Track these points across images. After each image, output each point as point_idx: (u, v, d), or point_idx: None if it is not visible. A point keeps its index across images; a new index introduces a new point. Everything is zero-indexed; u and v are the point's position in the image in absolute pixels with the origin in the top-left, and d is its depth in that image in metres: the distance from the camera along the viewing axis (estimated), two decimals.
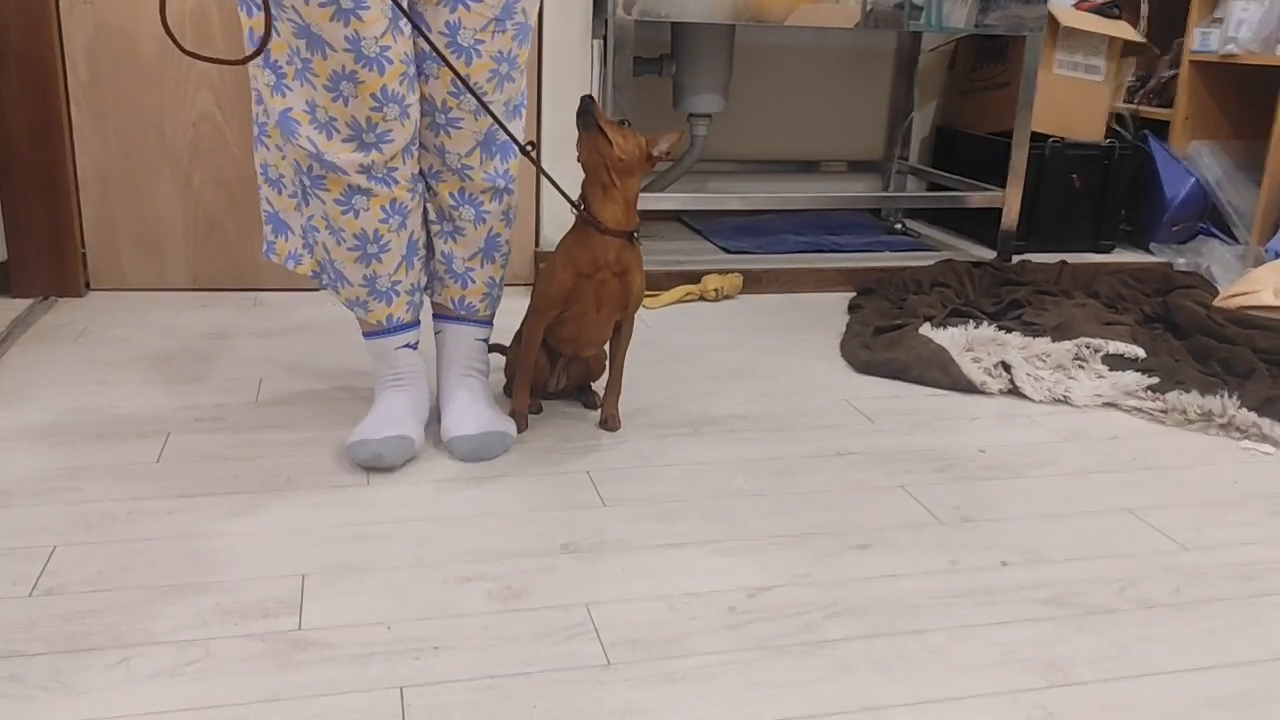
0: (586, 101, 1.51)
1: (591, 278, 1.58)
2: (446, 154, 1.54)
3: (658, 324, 2.29)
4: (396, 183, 1.48)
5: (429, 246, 1.64)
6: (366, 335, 1.63)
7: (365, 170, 1.44)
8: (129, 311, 2.23)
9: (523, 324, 1.70)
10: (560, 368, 1.74)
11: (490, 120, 1.52)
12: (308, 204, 1.50)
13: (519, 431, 1.64)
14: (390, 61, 1.39)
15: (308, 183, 1.47)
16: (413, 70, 1.43)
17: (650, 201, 2.64)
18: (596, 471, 1.55)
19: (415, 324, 1.64)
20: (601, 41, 2.42)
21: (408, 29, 1.41)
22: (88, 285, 2.34)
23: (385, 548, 1.32)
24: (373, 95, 1.39)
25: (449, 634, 1.15)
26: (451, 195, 1.58)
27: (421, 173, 1.56)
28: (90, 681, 1.05)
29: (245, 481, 1.49)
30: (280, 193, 1.53)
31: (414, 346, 1.64)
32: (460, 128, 1.51)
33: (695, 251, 2.75)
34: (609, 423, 1.70)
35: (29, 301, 2.23)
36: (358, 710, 1.02)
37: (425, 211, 1.60)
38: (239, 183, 2.34)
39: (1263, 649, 1.18)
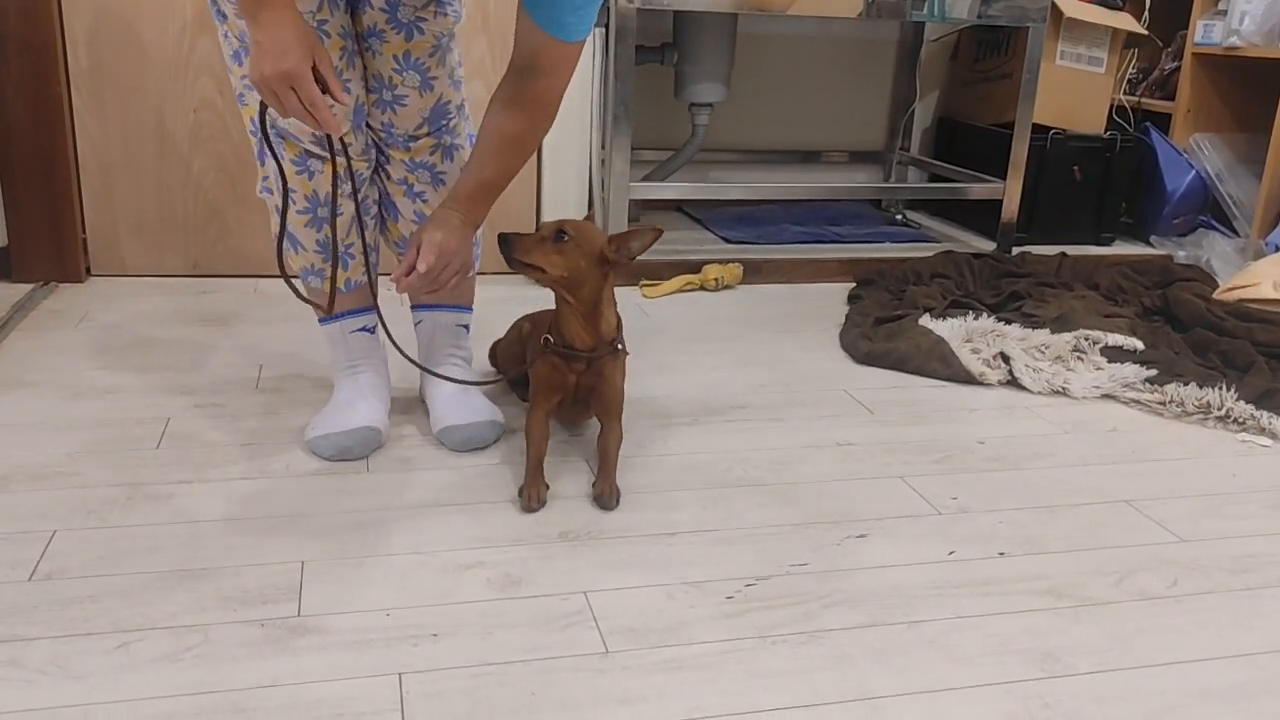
0: (502, 245, 1.39)
1: (565, 378, 1.48)
2: (393, 130, 1.53)
3: (657, 313, 2.29)
4: (350, 157, 1.48)
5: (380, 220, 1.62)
6: (322, 321, 1.61)
7: (318, 141, 1.45)
8: (129, 297, 2.23)
9: (517, 322, 1.72)
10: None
11: (437, 95, 1.51)
12: (263, 164, 1.50)
13: (532, 510, 1.42)
14: (328, 35, 1.39)
15: (271, 136, 1.47)
16: (351, 44, 1.43)
17: (651, 190, 2.65)
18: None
19: (369, 309, 1.61)
20: (604, 30, 2.41)
21: (344, 1, 1.41)
22: (88, 271, 2.34)
23: (384, 534, 1.32)
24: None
25: (447, 621, 1.15)
26: (405, 163, 1.56)
27: (375, 161, 1.56)
28: (89, 666, 1.05)
29: (244, 468, 1.49)
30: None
31: (370, 330, 1.62)
32: (406, 104, 1.50)
33: (696, 241, 2.75)
34: (603, 498, 1.42)
35: (29, 287, 2.23)
36: (356, 696, 1.03)
37: (383, 195, 1.59)
38: (239, 169, 2.33)
39: (1259, 641, 1.18)
